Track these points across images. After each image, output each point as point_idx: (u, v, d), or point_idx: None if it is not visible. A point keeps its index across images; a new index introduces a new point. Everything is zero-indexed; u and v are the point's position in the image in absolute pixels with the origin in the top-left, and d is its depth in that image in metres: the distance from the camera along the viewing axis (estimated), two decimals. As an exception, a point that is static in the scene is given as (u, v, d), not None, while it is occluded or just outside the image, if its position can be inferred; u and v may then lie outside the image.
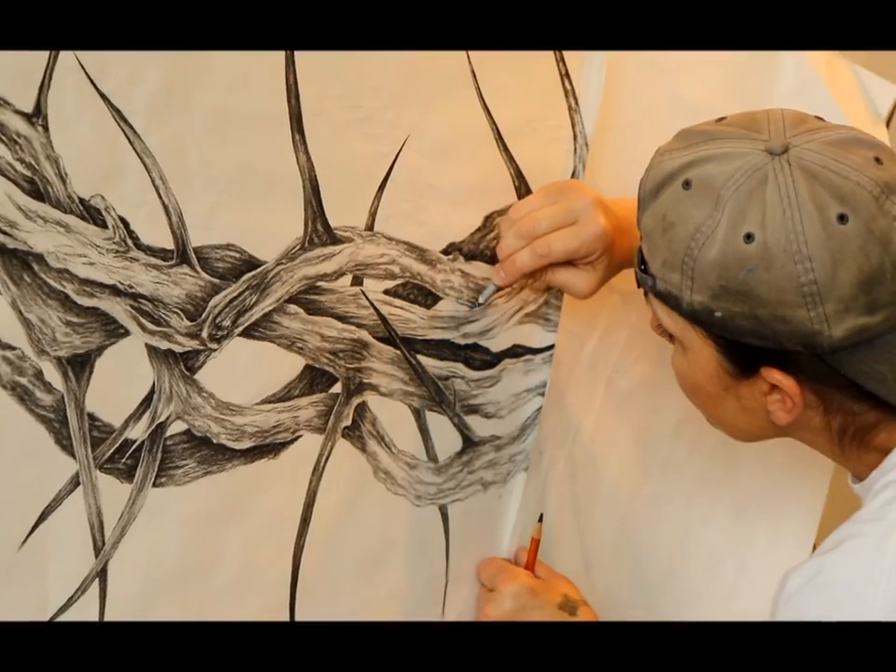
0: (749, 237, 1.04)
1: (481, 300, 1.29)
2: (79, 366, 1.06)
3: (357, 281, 1.22)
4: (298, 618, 1.22)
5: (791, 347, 1.06)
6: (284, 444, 1.20)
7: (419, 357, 1.28)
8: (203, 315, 1.12)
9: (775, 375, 1.09)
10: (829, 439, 1.14)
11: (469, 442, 1.35)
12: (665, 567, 1.54)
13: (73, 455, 1.06)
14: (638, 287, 1.15)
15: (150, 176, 1.07)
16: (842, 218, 1.04)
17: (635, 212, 1.17)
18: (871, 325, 1.05)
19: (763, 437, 1.21)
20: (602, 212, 1.26)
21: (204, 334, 1.13)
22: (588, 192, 1.27)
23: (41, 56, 0.99)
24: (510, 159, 1.32)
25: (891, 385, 1.07)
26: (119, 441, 1.09)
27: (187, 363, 1.12)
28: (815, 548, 1.43)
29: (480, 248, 1.32)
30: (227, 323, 1.14)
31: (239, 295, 1.14)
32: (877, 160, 1.06)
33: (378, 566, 1.29)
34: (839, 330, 1.05)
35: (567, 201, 1.26)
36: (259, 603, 1.20)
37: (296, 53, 1.12)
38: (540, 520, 1.30)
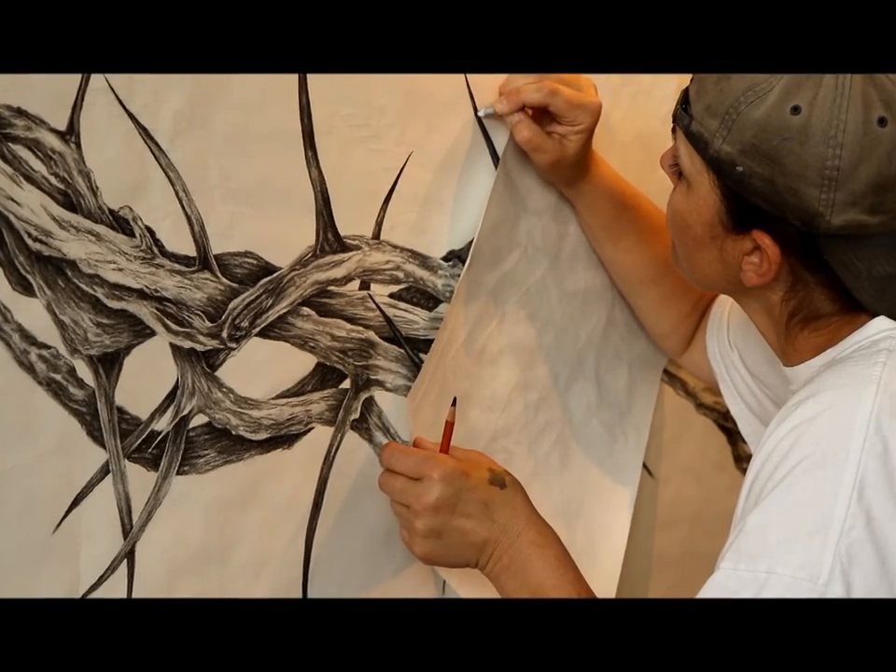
0: (796, 109, 1.06)
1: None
2: (109, 363, 1.09)
3: (365, 285, 1.24)
4: (310, 595, 1.24)
5: (790, 220, 1.09)
6: (297, 436, 1.22)
7: (421, 355, 1.29)
8: (223, 317, 1.15)
9: (765, 239, 1.11)
10: (777, 316, 1.16)
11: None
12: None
13: (103, 446, 1.09)
14: (674, 122, 1.16)
15: (174, 189, 1.10)
16: (882, 122, 1.06)
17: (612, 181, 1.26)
18: (868, 224, 1.08)
19: (722, 291, 1.24)
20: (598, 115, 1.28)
21: (224, 334, 1.15)
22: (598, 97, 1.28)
23: (74, 79, 1.03)
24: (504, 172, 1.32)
25: (863, 282, 1.11)
26: (146, 433, 1.12)
27: (208, 361, 1.15)
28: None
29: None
30: (245, 324, 1.17)
31: (256, 298, 1.17)
32: None
33: (383, 547, 1.30)
34: (839, 219, 1.07)
35: (577, 82, 1.28)
36: (274, 581, 1.21)
37: (308, 76, 1.15)
38: (454, 404, 1.25)
